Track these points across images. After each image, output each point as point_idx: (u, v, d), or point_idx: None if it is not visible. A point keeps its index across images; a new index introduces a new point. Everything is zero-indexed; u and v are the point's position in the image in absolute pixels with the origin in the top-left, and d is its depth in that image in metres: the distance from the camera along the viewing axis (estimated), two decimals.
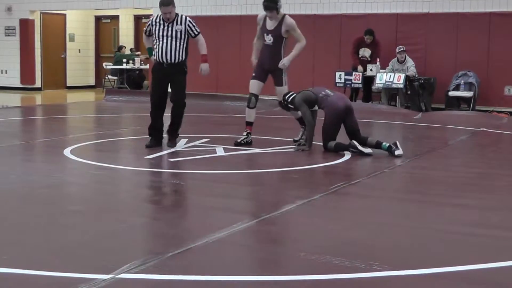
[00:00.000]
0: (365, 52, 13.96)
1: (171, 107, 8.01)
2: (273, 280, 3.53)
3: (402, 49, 13.56)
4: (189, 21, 7.96)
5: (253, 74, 8.38)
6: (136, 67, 18.43)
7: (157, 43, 7.93)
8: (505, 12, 13.57)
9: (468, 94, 13.32)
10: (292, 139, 8.45)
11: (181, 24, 7.89)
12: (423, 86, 13.41)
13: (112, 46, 20.80)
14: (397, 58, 13.63)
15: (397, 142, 7.67)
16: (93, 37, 21.36)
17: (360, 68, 13.74)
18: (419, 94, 13.35)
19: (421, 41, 14.15)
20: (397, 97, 13.60)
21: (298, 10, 15.29)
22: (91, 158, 7.34)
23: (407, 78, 13.22)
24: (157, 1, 7.95)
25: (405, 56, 13.60)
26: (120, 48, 19.32)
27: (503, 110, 13.33)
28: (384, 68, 13.67)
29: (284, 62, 8.16)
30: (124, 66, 18.46)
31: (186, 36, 7.95)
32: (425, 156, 7.86)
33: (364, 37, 13.89)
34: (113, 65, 18.76)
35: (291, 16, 8.34)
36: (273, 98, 13.83)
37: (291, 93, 8.07)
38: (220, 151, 7.82)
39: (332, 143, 7.80)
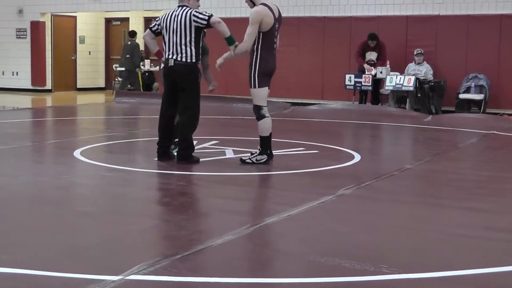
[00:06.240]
0: (371, 56, 13.95)
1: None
2: (282, 283, 3.52)
3: (420, 51, 13.58)
4: None
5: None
6: (146, 69, 18.44)
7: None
8: None
9: (479, 96, 13.28)
10: (298, 142, 8.43)
11: None
12: (433, 89, 13.38)
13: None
14: (415, 61, 13.64)
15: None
16: (103, 39, 21.43)
17: (367, 66, 13.71)
18: (429, 96, 13.32)
19: (431, 44, 14.11)
20: (407, 99, 13.58)
21: (308, 12, 15.27)
22: (101, 160, 7.35)
23: (417, 80, 13.20)
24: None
25: (422, 59, 13.62)
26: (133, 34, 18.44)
27: None
28: (394, 71, 13.65)
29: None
30: None
31: None
32: (435, 159, 7.84)
33: (368, 41, 13.89)
34: (122, 57, 18.24)
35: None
36: (282, 100, 13.88)
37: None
38: (229, 153, 7.83)
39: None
